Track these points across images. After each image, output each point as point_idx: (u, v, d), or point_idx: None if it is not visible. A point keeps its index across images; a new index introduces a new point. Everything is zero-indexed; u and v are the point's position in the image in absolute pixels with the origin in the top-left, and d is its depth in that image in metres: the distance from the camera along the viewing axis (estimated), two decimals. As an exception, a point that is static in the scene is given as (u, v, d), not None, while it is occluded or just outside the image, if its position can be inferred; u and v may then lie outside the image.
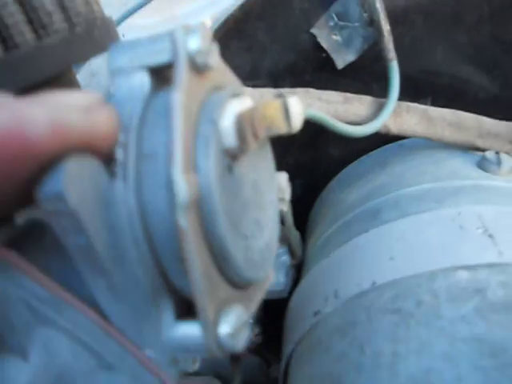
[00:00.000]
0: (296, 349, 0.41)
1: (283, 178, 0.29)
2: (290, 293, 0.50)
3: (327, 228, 0.50)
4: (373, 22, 0.45)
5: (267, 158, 0.27)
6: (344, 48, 0.49)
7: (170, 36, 0.23)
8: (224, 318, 0.22)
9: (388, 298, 0.35)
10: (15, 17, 0.24)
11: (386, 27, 0.44)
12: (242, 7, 0.50)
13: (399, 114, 0.46)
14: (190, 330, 0.22)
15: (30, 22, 0.25)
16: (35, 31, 0.25)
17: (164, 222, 0.21)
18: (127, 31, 0.52)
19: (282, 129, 0.28)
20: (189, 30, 0.23)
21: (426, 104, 0.51)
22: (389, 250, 0.38)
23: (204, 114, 0.22)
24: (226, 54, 0.26)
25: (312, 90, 0.46)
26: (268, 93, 0.44)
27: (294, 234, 0.55)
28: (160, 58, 0.23)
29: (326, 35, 0.49)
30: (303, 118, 0.27)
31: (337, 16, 0.48)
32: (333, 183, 0.58)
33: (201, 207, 0.21)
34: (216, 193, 0.22)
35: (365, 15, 0.46)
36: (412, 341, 0.31)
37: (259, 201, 0.27)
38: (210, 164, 0.21)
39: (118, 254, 0.21)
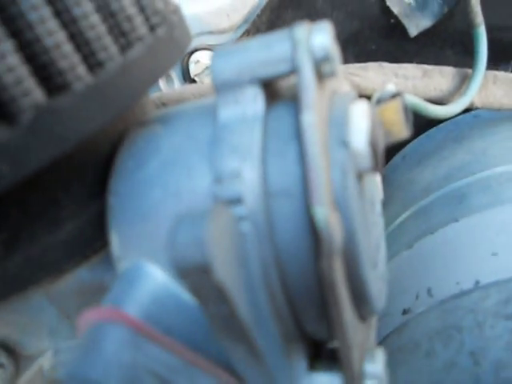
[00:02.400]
0: (380, 345, 0.39)
1: None
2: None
3: (399, 212, 0.47)
4: (457, -19, 0.40)
5: None
6: (418, 12, 0.43)
7: (290, 39, 0.19)
8: (369, 367, 0.20)
9: (498, 302, 0.32)
10: (97, 28, 0.19)
11: (474, -14, 0.39)
12: (298, -29, 0.44)
13: (485, 86, 0.41)
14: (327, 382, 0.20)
15: (110, 30, 0.21)
16: (116, 41, 0.21)
17: (304, 270, 0.18)
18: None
19: (402, 133, 0.24)
20: (311, 30, 0.19)
21: (507, 70, 0.46)
22: (489, 244, 0.35)
23: (333, 133, 0.19)
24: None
25: (386, 65, 0.41)
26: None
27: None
28: (277, 67, 0.19)
29: (397, -2, 0.43)
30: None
31: (410, -25, 0.42)
32: (397, 160, 0.54)
33: (345, 250, 0.18)
34: (360, 231, 0.18)
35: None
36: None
37: (374, 218, 0.24)
38: (350, 196, 0.18)
39: (256, 314, 0.18)
